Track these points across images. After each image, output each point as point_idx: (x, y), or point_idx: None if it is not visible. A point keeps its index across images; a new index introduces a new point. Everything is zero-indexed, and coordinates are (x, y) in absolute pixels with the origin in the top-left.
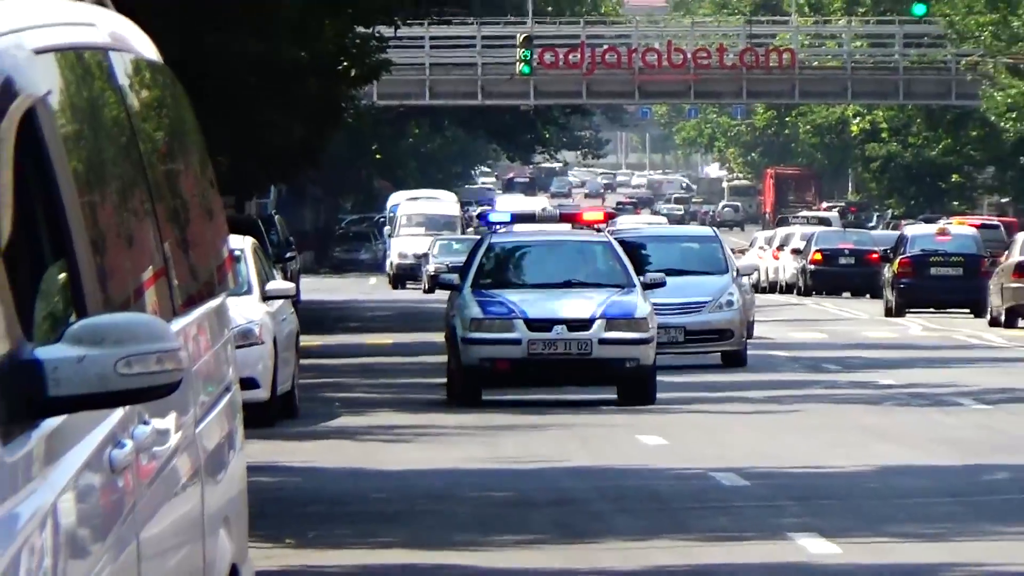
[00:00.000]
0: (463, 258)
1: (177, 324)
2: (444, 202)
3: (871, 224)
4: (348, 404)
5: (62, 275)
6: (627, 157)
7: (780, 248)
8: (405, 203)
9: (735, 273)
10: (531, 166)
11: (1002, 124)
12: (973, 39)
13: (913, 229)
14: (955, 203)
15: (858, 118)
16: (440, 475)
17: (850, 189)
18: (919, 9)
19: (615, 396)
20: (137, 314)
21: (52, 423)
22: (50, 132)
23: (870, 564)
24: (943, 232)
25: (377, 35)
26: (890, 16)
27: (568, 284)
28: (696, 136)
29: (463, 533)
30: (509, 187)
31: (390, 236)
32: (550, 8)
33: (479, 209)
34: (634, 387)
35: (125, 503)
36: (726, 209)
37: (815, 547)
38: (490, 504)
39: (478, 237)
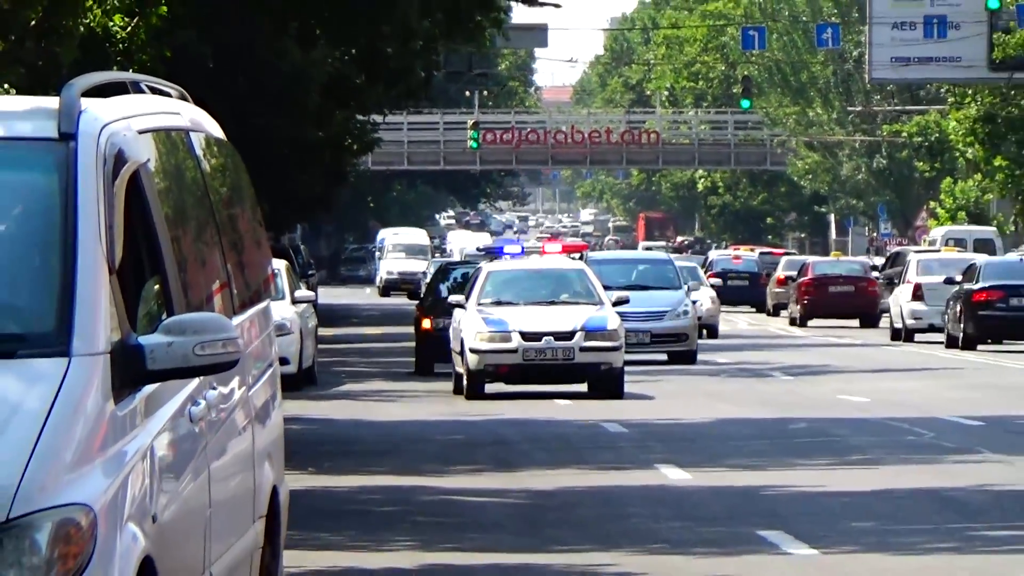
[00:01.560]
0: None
1: (236, 320)
2: (418, 235)
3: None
4: (351, 375)
5: (156, 286)
6: (543, 205)
7: None
8: (390, 236)
9: (687, 289)
10: (477, 211)
11: (802, 183)
12: (782, 124)
13: (715, 254)
14: (769, 237)
15: (703, 178)
16: (415, 424)
17: (696, 228)
18: (745, 103)
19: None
20: (208, 313)
21: (149, 388)
22: (148, 187)
23: (712, 486)
24: (737, 257)
25: (372, 121)
26: (724, 108)
27: (552, 303)
28: (591, 191)
29: (430, 464)
30: (466, 226)
31: (380, 259)
32: (491, 103)
33: (492, 246)
34: (607, 385)
35: (200, 444)
36: (610, 241)
37: (673, 474)
38: (449, 444)
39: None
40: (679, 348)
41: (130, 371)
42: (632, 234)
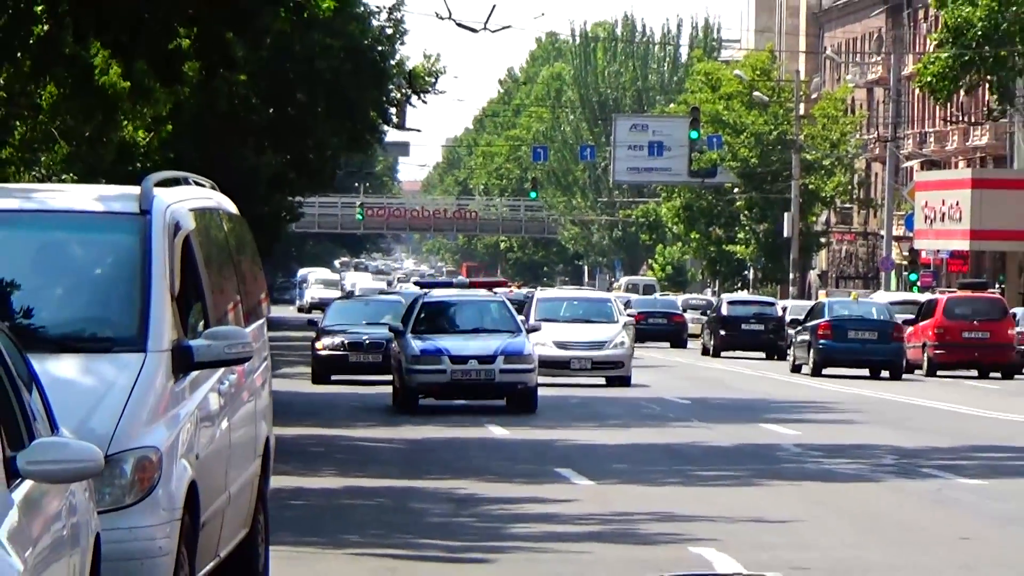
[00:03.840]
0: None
1: (247, 329)
2: (330, 274)
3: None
4: (284, 363)
5: (199, 308)
6: (401, 257)
7: None
8: (312, 273)
9: (623, 323)
10: (360, 259)
11: (567, 246)
12: (556, 208)
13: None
14: (545, 280)
15: (504, 241)
16: (333, 396)
17: (498, 273)
18: (532, 195)
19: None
20: (233, 327)
21: (195, 374)
22: (195, 246)
23: (523, 439)
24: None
25: (298, 201)
26: (519, 197)
27: (477, 330)
28: (433, 248)
29: (343, 420)
30: (355, 268)
31: (304, 288)
32: (371, 190)
33: (423, 281)
34: (523, 402)
35: (223, 409)
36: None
37: (498, 432)
38: (354, 410)
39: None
40: (616, 373)
41: (183, 363)
42: (458, 275)
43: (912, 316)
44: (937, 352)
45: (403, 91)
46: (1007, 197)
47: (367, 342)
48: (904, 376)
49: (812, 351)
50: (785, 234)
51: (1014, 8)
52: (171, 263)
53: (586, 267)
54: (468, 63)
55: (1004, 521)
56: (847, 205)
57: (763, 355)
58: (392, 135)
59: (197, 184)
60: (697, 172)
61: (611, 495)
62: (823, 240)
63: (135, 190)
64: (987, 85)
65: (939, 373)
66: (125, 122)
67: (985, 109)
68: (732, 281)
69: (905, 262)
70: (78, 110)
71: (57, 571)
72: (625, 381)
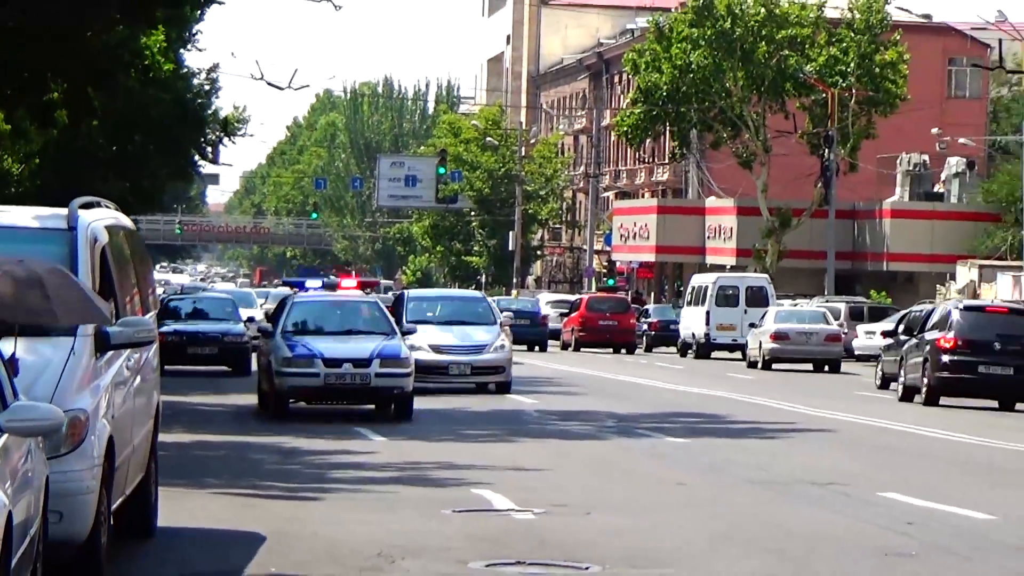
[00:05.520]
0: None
1: (146, 318)
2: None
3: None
4: None
5: (112, 302)
6: (208, 263)
7: None
8: None
9: (500, 324)
10: (176, 264)
11: (341, 255)
12: (332, 226)
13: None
14: None
15: (288, 250)
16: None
17: (284, 275)
18: (314, 216)
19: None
20: (138, 316)
21: (110, 353)
22: (108, 254)
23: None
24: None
25: (135, 219)
26: (303, 218)
27: (350, 332)
28: (233, 256)
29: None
30: (173, 271)
31: None
32: (187, 211)
33: (291, 280)
34: (399, 407)
35: (131, 379)
36: (242, 282)
37: (372, 436)
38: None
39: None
40: (497, 379)
41: (102, 344)
42: (252, 279)
43: (567, 310)
44: (581, 334)
45: (217, 134)
46: (683, 220)
47: (202, 336)
48: (553, 351)
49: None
50: (510, 248)
51: (691, 75)
52: (92, 267)
53: (353, 271)
54: (265, 111)
55: (706, 470)
56: (558, 225)
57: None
58: (207, 168)
59: (106, 207)
60: (442, 199)
61: (403, 448)
62: (539, 252)
63: (63, 211)
64: (669, 134)
65: (582, 349)
66: (5, 156)
67: (669, 153)
68: (468, 285)
69: (604, 270)
70: None
71: (24, 503)
72: (506, 387)
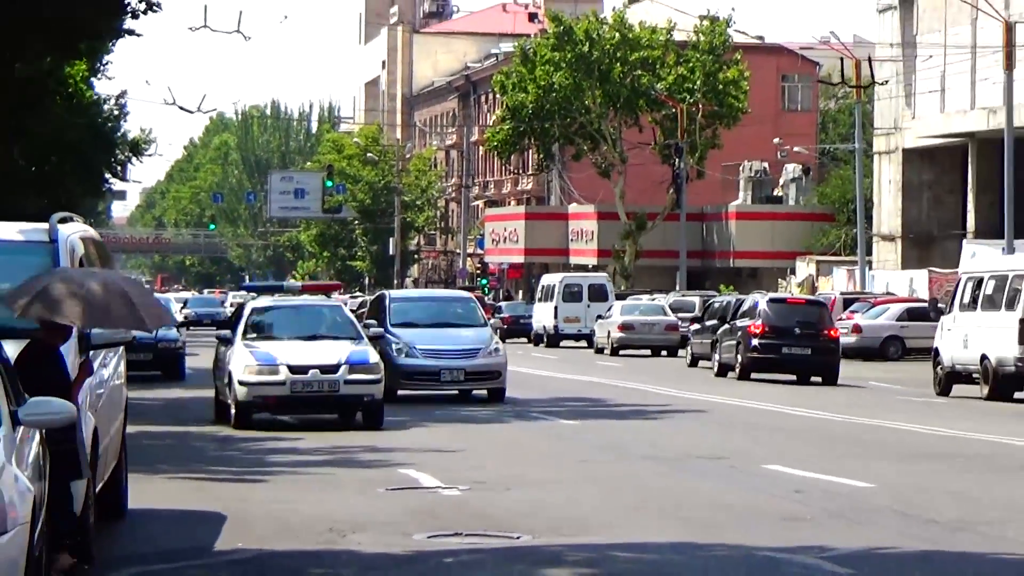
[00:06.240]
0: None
1: None
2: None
3: None
4: None
5: None
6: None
7: None
8: None
9: (491, 326)
10: None
11: (234, 261)
12: (225, 236)
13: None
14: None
15: (188, 259)
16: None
17: (183, 283)
18: (212, 227)
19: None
20: None
21: (91, 352)
22: (85, 263)
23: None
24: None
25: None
26: (200, 230)
27: (314, 337)
28: (137, 264)
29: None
30: None
31: None
32: (94, 224)
33: (250, 284)
34: (369, 416)
35: (107, 376)
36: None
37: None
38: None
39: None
40: (493, 385)
41: (85, 344)
42: (153, 285)
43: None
44: None
45: (126, 154)
46: (549, 225)
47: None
48: None
49: None
50: (390, 252)
51: (553, 94)
52: None
53: (247, 276)
54: (165, 132)
55: (603, 448)
56: (433, 232)
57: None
58: (117, 185)
59: (77, 221)
60: (328, 210)
61: (327, 436)
62: (417, 256)
63: (44, 225)
64: (535, 148)
65: None
66: None
67: (535, 165)
68: (353, 287)
69: (478, 271)
70: None
71: (38, 488)
72: (500, 395)
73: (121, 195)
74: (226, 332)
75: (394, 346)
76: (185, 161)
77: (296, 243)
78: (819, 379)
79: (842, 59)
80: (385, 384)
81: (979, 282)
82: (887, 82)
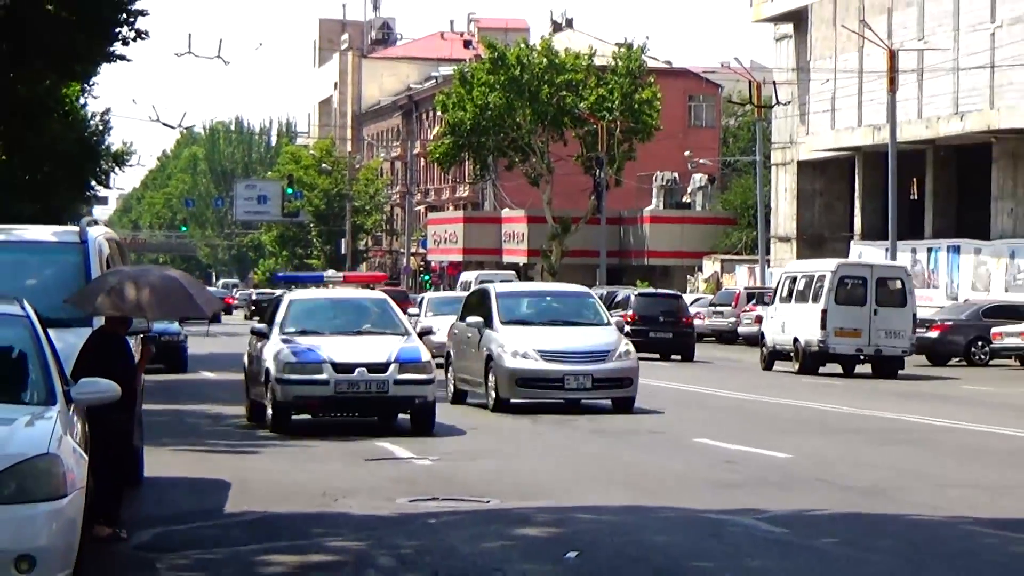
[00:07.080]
0: None
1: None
2: None
3: None
4: None
5: None
6: None
7: None
8: None
9: (617, 326)
10: None
11: (203, 259)
12: (194, 238)
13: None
14: None
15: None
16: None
17: None
18: (184, 228)
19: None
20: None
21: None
22: (111, 261)
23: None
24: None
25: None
26: (172, 232)
27: (359, 332)
28: None
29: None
30: None
31: None
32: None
33: (287, 276)
34: (421, 419)
35: None
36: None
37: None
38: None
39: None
40: (623, 394)
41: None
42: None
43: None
44: None
45: (110, 164)
46: (484, 228)
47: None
48: None
49: None
50: (342, 252)
51: (489, 113)
52: (101, 272)
53: (213, 273)
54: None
55: (553, 424)
56: (380, 233)
57: None
58: (102, 191)
59: (101, 224)
60: (287, 214)
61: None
62: (366, 255)
63: (75, 228)
64: (472, 160)
65: None
66: None
67: (471, 174)
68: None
69: (421, 268)
70: None
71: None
72: (629, 404)
73: (103, 201)
74: (262, 326)
75: (505, 347)
76: (159, 171)
77: (258, 243)
78: (678, 357)
79: (750, 82)
80: (496, 391)
81: (793, 280)
82: (789, 103)
